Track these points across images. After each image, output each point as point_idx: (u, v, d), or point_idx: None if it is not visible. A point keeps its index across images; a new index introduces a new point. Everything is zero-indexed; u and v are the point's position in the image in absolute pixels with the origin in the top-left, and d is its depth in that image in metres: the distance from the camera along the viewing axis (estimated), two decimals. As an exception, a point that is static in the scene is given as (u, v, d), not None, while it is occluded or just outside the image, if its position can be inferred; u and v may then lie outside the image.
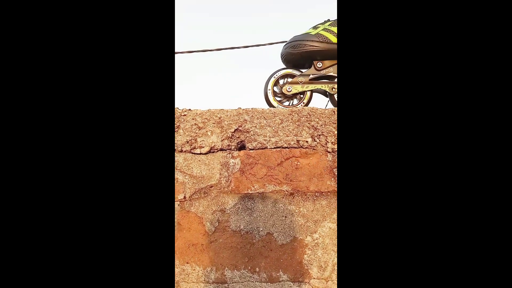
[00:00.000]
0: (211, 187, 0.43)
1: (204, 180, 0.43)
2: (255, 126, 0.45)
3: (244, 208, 0.43)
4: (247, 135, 0.45)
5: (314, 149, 0.44)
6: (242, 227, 0.43)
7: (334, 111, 0.45)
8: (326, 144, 0.44)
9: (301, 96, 0.56)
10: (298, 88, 0.55)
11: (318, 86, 0.56)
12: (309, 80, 0.56)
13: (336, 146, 0.44)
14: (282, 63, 0.59)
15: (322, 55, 0.55)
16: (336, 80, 0.56)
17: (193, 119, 0.45)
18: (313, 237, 0.42)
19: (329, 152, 0.44)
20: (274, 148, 0.44)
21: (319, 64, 0.56)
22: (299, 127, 0.44)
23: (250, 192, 0.43)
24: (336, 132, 0.44)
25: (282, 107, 0.55)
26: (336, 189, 0.43)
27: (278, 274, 0.42)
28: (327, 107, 0.56)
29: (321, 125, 0.44)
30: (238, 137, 0.45)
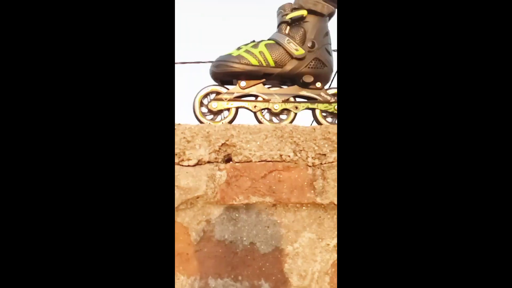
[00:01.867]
0: (198, 198, 0.45)
1: (191, 191, 0.45)
2: (241, 141, 0.47)
3: (228, 218, 0.45)
4: (234, 149, 0.47)
5: (295, 163, 0.47)
6: (226, 237, 0.45)
7: (314, 129, 0.49)
8: (306, 158, 0.47)
9: (226, 112, 0.59)
10: (223, 105, 0.58)
11: (242, 104, 0.59)
12: (234, 97, 0.59)
13: (316, 161, 0.47)
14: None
15: (245, 75, 0.58)
16: (258, 98, 0.59)
17: (182, 133, 0.47)
18: (294, 247, 0.45)
19: (309, 166, 0.47)
20: (259, 161, 0.47)
21: (243, 83, 0.59)
22: (282, 142, 0.48)
23: (235, 203, 0.45)
24: (316, 148, 0.47)
25: (208, 121, 0.58)
26: (316, 201, 0.46)
27: (260, 282, 0.44)
28: (312, 124, 0.60)
29: (302, 141, 0.48)
30: (225, 151, 0.47)
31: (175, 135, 0.47)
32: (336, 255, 0.45)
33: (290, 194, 0.46)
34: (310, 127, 0.49)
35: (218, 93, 0.59)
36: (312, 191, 0.46)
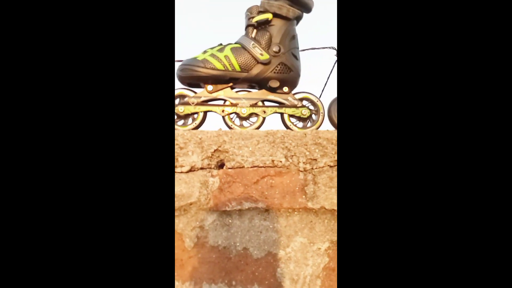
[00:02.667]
0: (191, 204, 0.46)
1: (184, 197, 0.46)
2: (234, 147, 0.48)
3: (222, 224, 0.46)
4: (226, 154, 0.48)
5: (287, 168, 0.48)
6: (220, 242, 0.45)
7: (305, 134, 0.49)
8: (298, 163, 0.48)
9: (195, 116, 0.59)
10: (190, 109, 0.58)
11: (209, 108, 0.59)
12: (201, 101, 0.58)
13: (307, 166, 0.48)
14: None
15: (211, 80, 0.58)
16: (226, 103, 0.59)
17: (174, 139, 0.47)
18: (286, 251, 0.46)
19: (301, 171, 0.48)
20: (251, 167, 0.47)
21: (210, 87, 0.58)
22: (273, 147, 0.48)
23: (228, 209, 0.46)
24: (307, 153, 0.48)
25: (178, 126, 0.58)
26: (307, 206, 0.47)
27: (253, 287, 0.44)
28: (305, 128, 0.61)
29: (294, 146, 0.48)
30: (218, 157, 0.48)
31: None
32: (327, 259, 0.46)
33: (282, 199, 0.47)
34: (301, 133, 0.50)
35: (184, 96, 0.59)
36: (304, 196, 0.47)
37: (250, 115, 0.59)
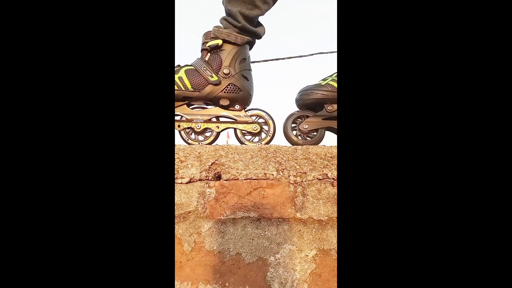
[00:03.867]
0: (189, 213, 0.51)
1: (183, 206, 0.50)
2: (229, 161, 0.52)
3: (217, 231, 0.50)
4: (223, 167, 0.52)
5: (278, 181, 0.52)
6: (215, 247, 0.50)
7: (296, 149, 0.53)
8: (289, 176, 0.52)
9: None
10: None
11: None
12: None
13: (297, 179, 0.52)
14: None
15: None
16: (182, 118, 0.66)
17: (176, 153, 0.52)
18: (276, 257, 0.50)
19: (291, 184, 0.52)
20: (245, 179, 0.52)
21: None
22: (266, 162, 0.52)
23: (223, 218, 0.50)
24: (297, 167, 0.52)
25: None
26: (296, 216, 0.50)
27: (245, 289, 0.49)
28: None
29: (285, 161, 0.52)
30: (215, 169, 0.52)
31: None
32: (314, 265, 0.50)
33: (273, 209, 0.51)
34: (292, 148, 0.53)
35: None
36: (293, 207, 0.51)
37: (205, 129, 0.65)
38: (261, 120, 0.68)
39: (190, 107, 0.67)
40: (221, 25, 0.67)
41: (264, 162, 0.52)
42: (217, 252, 0.50)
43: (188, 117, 0.65)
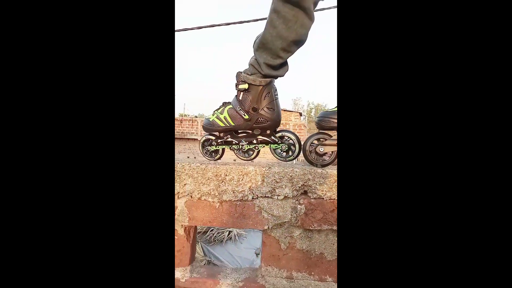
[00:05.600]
0: (284, 222, 0.66)
1: (280, 218, 0.66)
2: (316, 183, 0.64)
3: (306, 237, 0.66)
4: (310, 189, 0.65)
5: (357, 201, 0.63)
6: (304, 247, 0.66)
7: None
8: (366, 198, 0.63)
9: (218, 151, 0.86)
10: (213, 148, 0.85)
11: (224, 146, 0.84)
12: (219, 142, 0.84)
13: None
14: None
15: (220, 131, 0.83)
16: (233, 142, 0.84)
17: (273, 175, 0.66)
18: (351, 259, 0.65)
19: (367, 204, 0.63)
20: (329, 199, 0.64)
21: (222, 134, 0.84)
22: (347, 186, 0.63)
23: (311, 228, 0.65)
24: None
25: (209, 158, 0.86)
26: (370, 230, 0.63)
27: (325, 277, 0.66)
28: None
29: (364, 186, 0.63)
30: (304, 190, 0.65)
31: (267, 176, 0.66)
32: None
33: (351, 224, 0.64)
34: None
35: (209, 140, 0.86)
36: (368, 223, 0.63)
37: (248, 150, 0.84)
38: (289, 141, 0.82)
39: (237, 134, 0.86)
40: (248, 69, 0.78)
41: (345, 186, 0.63)
42: (305, 251, 0.66)
43: (237, 141, 0.83)
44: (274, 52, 0.71)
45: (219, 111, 0.85)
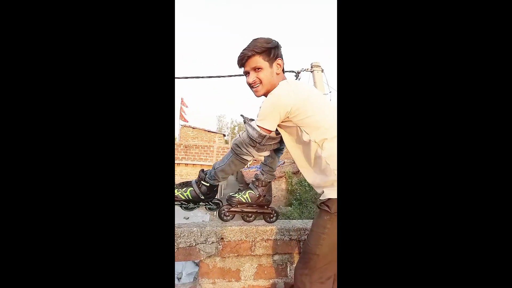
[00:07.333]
0: (212, 255, 1.32)
1: (209, 252, 1.32)
2: (227, 233, 1.33)
3: (221, 261, 1.33)
4: (225, 236, 1.33)
5: (246, 241, 1.35)
6: (221, 266, 1.33)
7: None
8: (250, 239, 1.35)
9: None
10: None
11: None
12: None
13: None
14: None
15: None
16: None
17: (207, 232, 1.31)
18: (244, 269, 1.35)
19: (251, 241, 1.35)
20: (234, 240, 1.34)
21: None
22: (242, 234, 1.35)
23: (225, 256, 1.33)
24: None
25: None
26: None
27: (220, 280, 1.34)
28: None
29: (249, 233, 1.35)
30: (221, 237, 1.33)
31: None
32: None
33: (243, 252, 1.35)
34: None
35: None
36: (251, 251, 1.35)
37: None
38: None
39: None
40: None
41: (241, 234, 1.35)
42: (221, 267, 1.34)
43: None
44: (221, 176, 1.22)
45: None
